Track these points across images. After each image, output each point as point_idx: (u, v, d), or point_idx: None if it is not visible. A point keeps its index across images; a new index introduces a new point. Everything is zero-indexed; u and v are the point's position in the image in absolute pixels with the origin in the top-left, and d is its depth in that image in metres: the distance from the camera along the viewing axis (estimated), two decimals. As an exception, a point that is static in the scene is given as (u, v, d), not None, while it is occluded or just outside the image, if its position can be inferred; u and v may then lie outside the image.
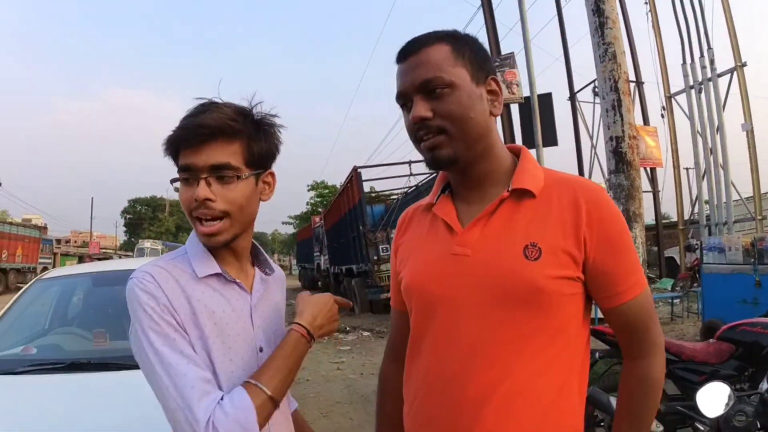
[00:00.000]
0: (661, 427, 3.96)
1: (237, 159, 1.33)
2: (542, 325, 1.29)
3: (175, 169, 1.36)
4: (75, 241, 61.18)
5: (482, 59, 1.37)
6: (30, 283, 4.43)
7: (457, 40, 1.35)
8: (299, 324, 1.43)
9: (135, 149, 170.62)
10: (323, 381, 8.27)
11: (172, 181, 1.36)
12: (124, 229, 78.60)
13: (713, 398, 3.47)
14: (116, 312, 4.33)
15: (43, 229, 34.14)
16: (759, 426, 3.52)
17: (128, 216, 78.47)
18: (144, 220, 76.07)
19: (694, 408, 3.98)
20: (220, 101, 1.37)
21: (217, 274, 1.38)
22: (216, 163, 1.30)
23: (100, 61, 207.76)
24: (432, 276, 1.39)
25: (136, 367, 3.22)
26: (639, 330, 1.38)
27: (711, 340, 4.50)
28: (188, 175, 1.32)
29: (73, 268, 5.38)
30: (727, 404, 3.44)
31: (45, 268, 29.05)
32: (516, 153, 1.47)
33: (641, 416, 1.42)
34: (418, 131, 1.34)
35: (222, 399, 1.24)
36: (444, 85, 1.30)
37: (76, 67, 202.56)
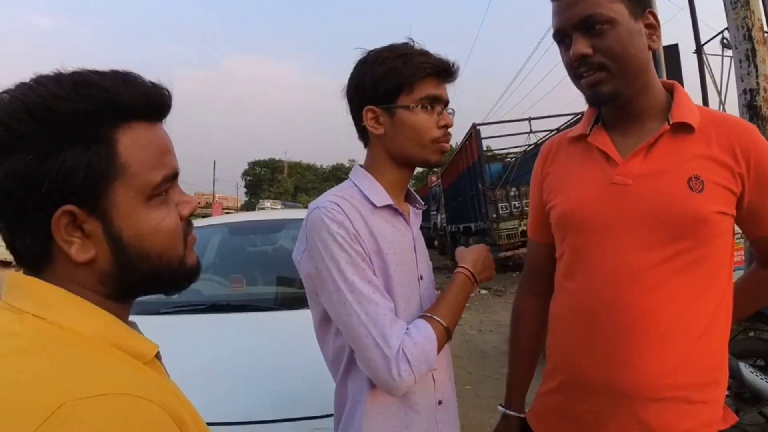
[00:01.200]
0: None
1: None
2: (699, 256, 1.32)
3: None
4: (199, 203, 64.90)
5: None
6: None
7: None
8: (464, 267, 1.51)
9: (252, 114, 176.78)
10: (442, 336, 8.37)
11: (388, 109, 1.43)
12: (245, 190, 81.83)
13: None
14: (251, 259, 4.59)
15: None
16: None
17: (248, 178, 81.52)
18: (263, 181, 78.80)
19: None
20: None
21: (389, 206, 1.44)
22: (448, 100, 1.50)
23: (216, 29, 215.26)
24: (591, 204, 1.42)
25: (271, 309, 3.41)
26: None
27: None
28: (434, 103, 1.44)
29: (208, 219, 5.63)
30: None
31: None
32: (668, 89, 1.47)
33: (756, 302, 1.62)
34: (578, 68, 1.36)
35: (408, 329, 1.32)
36: (604, 21, 1.30)
37: (197, 37, 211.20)
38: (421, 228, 1.59)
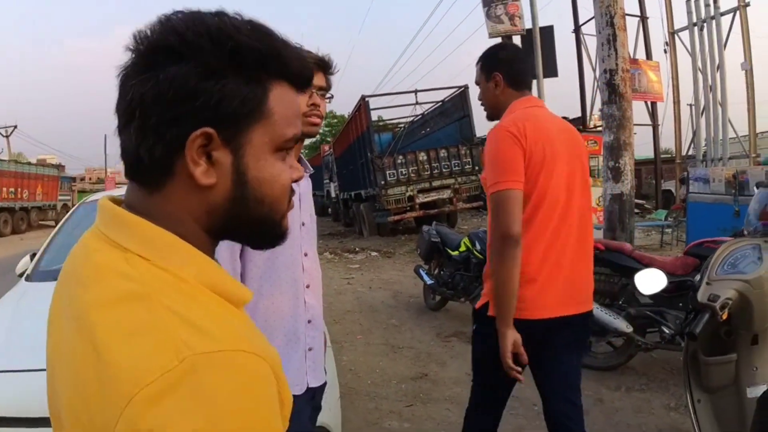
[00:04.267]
0: (631, 328, 4.54)
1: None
2: None
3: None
4: (90, 178, 61.15)
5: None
6: (75, 206, 4.91)
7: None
8: None
9: None
10: (335, 294, 8.95)
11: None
12: (138, 164, 78.34)
13: (649, 280, 4.04)
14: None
15: (61, 167, 34.31)
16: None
17: (140, 152, 78.16)
18: (156, 154, 75.91)
19: (662, 313, 4.62)
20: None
21: None
22: (322, 86, 1.92)
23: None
24: None
25: None
26: None
27: (679, 255, 5.07)
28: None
29: (116, 191, 5.83)
30: (660, 286, 4.02)
31: (65, 205, 29.54)
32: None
33: None
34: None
35: None
36: (477, 83, 2.60)
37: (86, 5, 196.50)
38: (315, 196, 2.03)
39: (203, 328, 0.65)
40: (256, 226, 0.81)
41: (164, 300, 0.66)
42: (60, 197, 30.60)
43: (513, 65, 2.48)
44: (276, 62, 0.76)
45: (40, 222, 27.35)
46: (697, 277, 3.27)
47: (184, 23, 0.72)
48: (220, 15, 0.74)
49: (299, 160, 2.05)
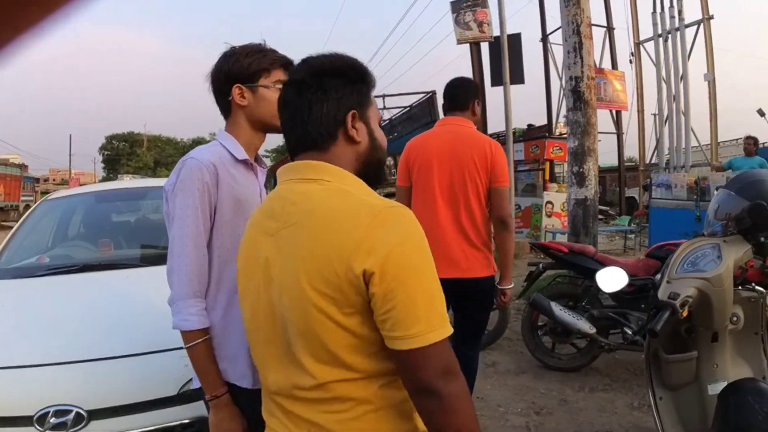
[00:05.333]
0: (594, 329, 4.56)
1: None
2: None
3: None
4: (54, 179, 60.12)
5: None
6: (37, 203, 4.76)
7: None
8: None
9: (110, 87, 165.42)
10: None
11: (251, 87, 1.92)
12: (103, 165, 77.35)
13: (611, 278, 4.07)
14: (117, 225, 4.79)
15: (24, 167, 33.58)
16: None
17: (106, 152, 76.96)
18: (122, 155, 74.82)
19: (624, 315, 4.65)
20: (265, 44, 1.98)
21: (245, 160, 1.93)
22: None
23: None
24: None
25: (138, 265, 3.72)
26: None
27: (641, 257, 5.12)
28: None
29: (75, 189, 5.66)
30: (621, 284, 4.04)
31: (27, 206, 28.73)
32: None
33: None
34: None
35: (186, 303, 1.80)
36: None
37: None
38: None
39: (376, 200, 1.20)
40: (377, 166, 1.37)
41: (353, 191, 1.22)
42: (22, 198, 29.87)
43: (445, 92, 3.49)
44: (368, 81, 1.34)
45: (2, 223, 26.35)
46: (658, 277, 3.39)
47: (330, 60, 1.32)
48: (341, 56, 1.34)
49: (256, 159, 2.08)
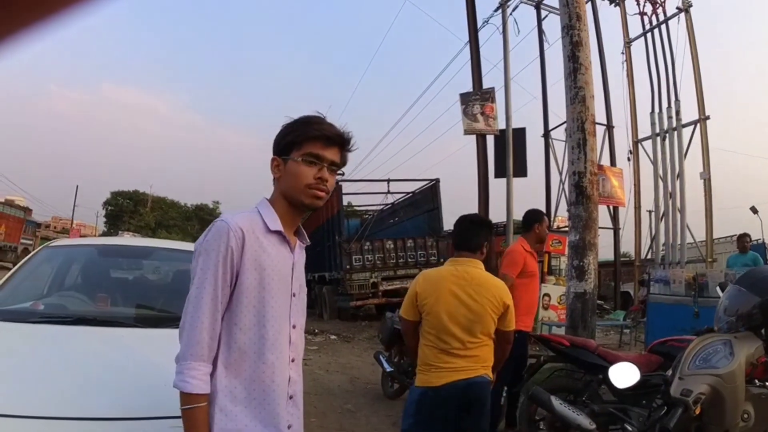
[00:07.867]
0: (594, 425, 4.45)
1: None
2: None
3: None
4: (55, 227, 60.01)
5: None
6: (38, 249, 4.66)
7: None
8: None
9: (121, 145, 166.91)
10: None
11: (284, 159, 1.92)
12: (105, 220, 77.43)
13: (623, 374, 3.99)
14: (117, 281, 4.73)
15: (28, 210, 33.45)
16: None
17: (110, 207, 77.24)
18: (125, 212, 75.03)
19: (625, 411, 4.55)
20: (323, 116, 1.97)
21: (278, 231, 1.90)
22: (335, 161, 1.92)
23: (99, 53, 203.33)
24: None
25: (134, 325, 3.62)
26: None
27: (643, 352, 5.06)
28: (314, 159, 1.88)
29: (78, 240, 5.64)
30: (634, 380, 3.96)
31: (26, 249, 28.33)
32: None
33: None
34: None
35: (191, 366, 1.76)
36: None
37: (76, 56, 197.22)
38: None
39: None
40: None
41: None
42: (22, 240, 29.59)
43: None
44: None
45: (-1, 262, 25.62)
46: (669, 373, 3.36)
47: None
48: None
49: (297, 231, 2.04)
